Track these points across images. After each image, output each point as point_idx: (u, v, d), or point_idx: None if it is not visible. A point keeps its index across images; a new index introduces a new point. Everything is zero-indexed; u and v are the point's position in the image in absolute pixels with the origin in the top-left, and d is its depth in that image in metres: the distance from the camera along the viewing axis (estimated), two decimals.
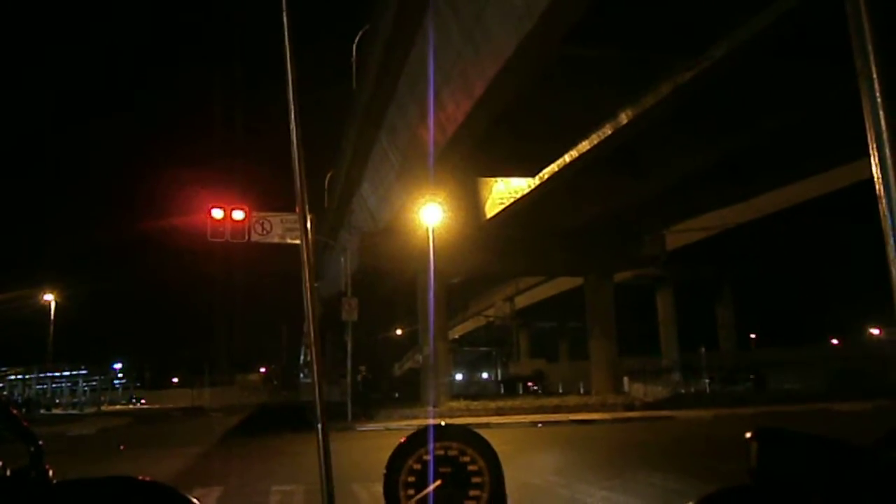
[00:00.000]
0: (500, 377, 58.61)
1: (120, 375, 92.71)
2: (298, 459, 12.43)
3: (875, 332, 44.06)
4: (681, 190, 24.45)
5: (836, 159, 24.63)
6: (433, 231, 22.00)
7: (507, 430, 20.29)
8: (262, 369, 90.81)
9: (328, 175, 39.28)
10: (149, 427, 30.97)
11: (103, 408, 60.76)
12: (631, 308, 40.35)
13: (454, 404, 26.85)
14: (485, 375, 67.03)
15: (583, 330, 32.68)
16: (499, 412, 25.34)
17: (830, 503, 0.55)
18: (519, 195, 24.07)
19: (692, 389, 40.26)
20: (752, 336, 54.94)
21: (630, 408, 26.32)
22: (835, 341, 50.40)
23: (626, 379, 35.83)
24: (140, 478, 0.71)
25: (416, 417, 23.57)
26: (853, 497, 0.54)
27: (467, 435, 0.80)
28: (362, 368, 32.47)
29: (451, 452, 0.78)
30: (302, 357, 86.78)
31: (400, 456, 0.79)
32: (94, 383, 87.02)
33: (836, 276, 42.61)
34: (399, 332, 56.84)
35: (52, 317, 43.25)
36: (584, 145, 20.00)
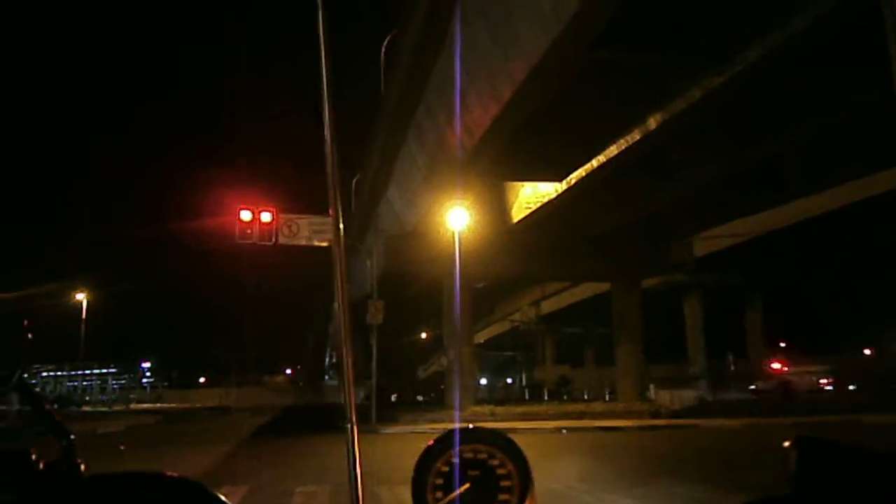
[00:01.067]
0: (524, 382, 58.45)
1: (148, 374, 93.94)
2: (323, 460, 12.46)
3: None
4: (710, 195, 24.24)
5: (872, 166, 24.25)
6: (459, 235, 21.99)
7: (531, 436, 20.18)
8: (288, 371, 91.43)
9: (355, 178, 39.49)
10: (176, 425, 31.32)
11: (132, 406, 61.61)
12: (658, 315, 39.99)
13: (478, 409, 26.79)
14: (509, 380, 66.88)
15: (609, 336, 32.46)
16: (523, 417, 25.23)
17: None
18: (546, 200, 24.00)
19: (719, 397, 39.79)
20: (782, 345, 54.16)
21: (656, 415, 26.05)
22: (867, 351, 49.46)
23: (652, 386, 35.53)
24: (169, 473, 0.71)
25: (440, 421, 23.55)
26: None
27: (496, 438, 0.78)
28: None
29: (480, 455, 0.77)
30: (328, 359, 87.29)
31: (428, 458, 0.79)
32: (122, 381, 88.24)
33: (869, 284, 41.85)
34: (424, 335, 56.92)
35: (83, 315, 44.02)
36: (613, 150, 19.88)
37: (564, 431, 21.68)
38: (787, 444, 0.59)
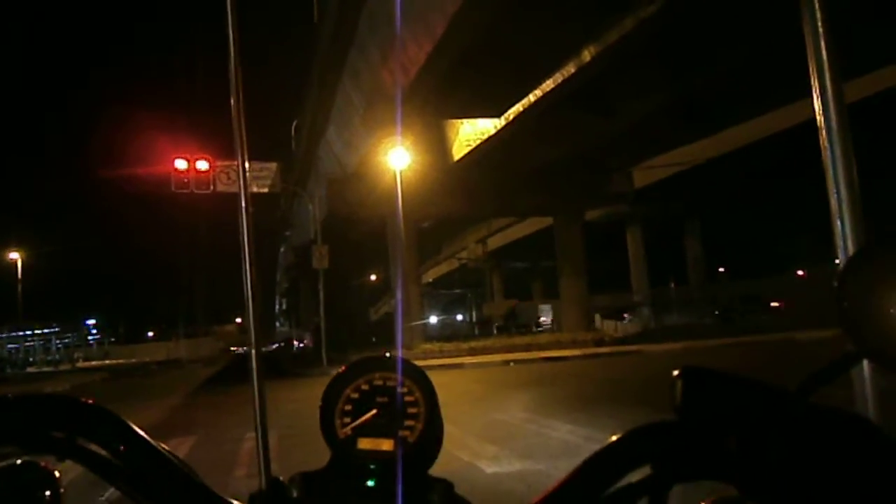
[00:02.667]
0: (474, 319, 59.33)
1: (94, 332, 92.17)
2: (272, 406, 12.49)
3: (838, 262, 44.92)
4: (647, 127, 24.49)
5: (799, 93, 24.80)
6: (401, 175, 21.85)
7: (479, 370, 20.64)
8: (238, 320, 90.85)
9: (294, 122, 38.66)
10: (124, 381, 31.00)
11: (78, 364, 60.51)
12: (601, 246, 40.83)
13: (428, 346, 27.18)
14: (459, 317, 67.76)
15: (555, 269, 33.04)
16: (471, 352, 25.73)
17: (745, 444, 0.58)
18: (485, 136, 23.93)
19: (663, 323, 41.18)
20: (721, 270, 55.98)
21: (600, 343, 26.86)
22: (800, 272, 51.49)
23: (597, 316, 36.52)
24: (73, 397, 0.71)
25: None
26: (767, 440, 0.57)
27: (405, 366, 0.80)
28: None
29: (389, 383, 0.78)
30: (277, 306, 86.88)
31: (337, 385, 0.79)
32: (67, 341, 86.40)
33: (802, 209, 43.31)
34: (374, 277, 56.98)
35: (19, 275, 42.65)
36: (549, 84, 19.84)
37: (511, 364, 22.22)
38: (674, 373, 0.62)
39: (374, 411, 0.76)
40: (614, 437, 0.63)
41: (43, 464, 0.68)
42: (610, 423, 8.59)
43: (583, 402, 11.10)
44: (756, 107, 26.50)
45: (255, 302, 1.44)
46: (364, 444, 0.74)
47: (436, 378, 0.79)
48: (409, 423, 0.76)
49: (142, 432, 0.68)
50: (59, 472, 0.69)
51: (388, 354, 0.82)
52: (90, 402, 0.69)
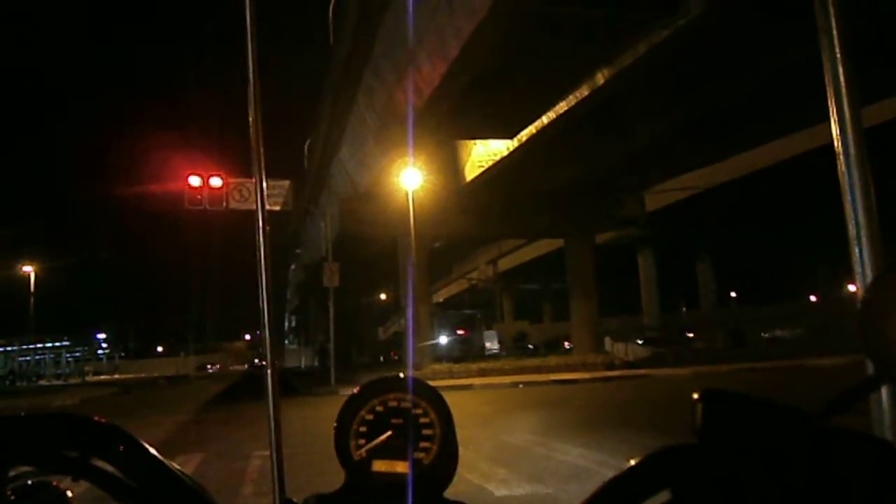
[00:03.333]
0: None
1: (104, 346, 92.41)
2: (282, 426, 12.40)
3: (853, 288, 44.57)
4: (660, 150, 24.53)
5: (816, 116, 24.76)
6: (413, 195, 21.94)
7: (488, 391, 20.53)
8: (247, 337, 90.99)
9: (307, 141, 38.92)
10: (133, 396, 31.00)
11: (88, 378, 60.62)
12: (612, 269, 40.69)
13: (437, 367, 27.08)
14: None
15: (566, 291, 32.94)
16: (481, 373, 25.62)
17: (768, 468, 0.57)
18: (498, 158, 24.04)
19: (673, 348, 40.85)
20: (733, 294, 55.62)
21: (610, 367, 26.68)
22: (813, 298, 51.09)
23: (607, 339, 36.28)
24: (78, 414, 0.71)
25: None
26: (790, 463, 0.57)
27: (420, 387, 0.79)
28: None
29: (404, 404, 0.78)
30: (287, 324, 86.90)
31: (352, 406, 0.79)
32: (77, 354, 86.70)
33: (815, 235, 43.08)
34: (383, 296, 56.98)
35: (32, 288, 42.90)
36: (562, 106, 19.92)
37: (521, 385, 22.10)
38: (694, 396, 0.62)
39: (389, 433, 0.75)
40: (633, 461, 0.62)
41: (55, 483, 0.68)
42: (621, 448, 8.51)
43: (593, 426, 11.00)
44: (769, 131, 26.50)
45: (270, 318, 1.43)
46: (379, 465, 0.73)
47: (446, 399, 0.78)
48: (424, 444, 0.75)
49: (154, 451, 0.67)
50: (72, 492, 0.69)
51: (401, 375, 0.81)
52: (103, 421, 0.69)
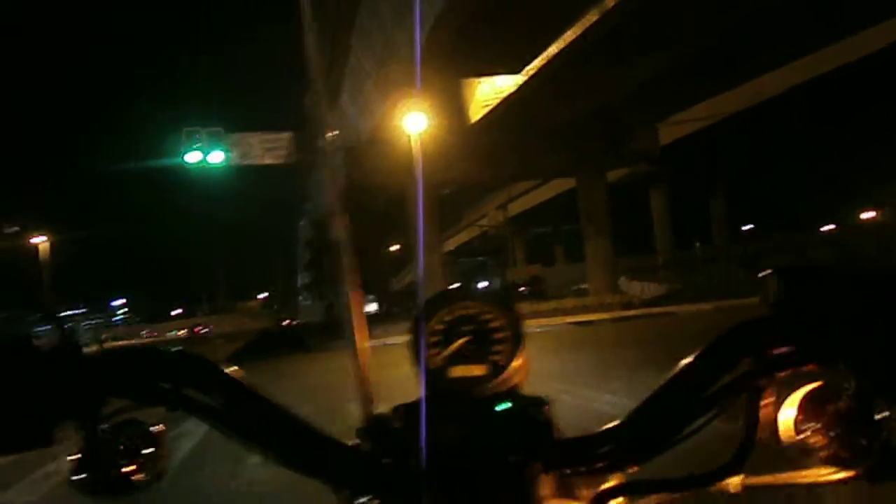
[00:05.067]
0: (497, 285, 58.65)
1: (122, 312, 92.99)
2: (299, 382, 11.99)
3: (870, 214, 43.69)
4: (672, 79, 23.46)
5: (830, 37, 23.57)
6: (417, 139, 21.03)
7: None
8: (262, 295, 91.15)
9: (305, 91, 37.85)
10: None
11: (106, 345, 61.05)
12: (625, 207, 39.84)
13: None
14: (482, 285, 67.20)
15: (578, 233, 32.21)
16: None
17: (854, 326, 0.59)
18: (505, 94, 23.00)
19: (688, 283, 40.20)
20: (747, 227, 54.64)
21: (628, 306, 26.15)
22: (831, 226, 50.16)
23: (623, 278, 35.64)
24: (175, 349, 0.71)
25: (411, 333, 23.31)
26: (877, 319, 0.59)
27: (487, 294, 0.81)
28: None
29: (473, 311, 0.79)
30: (300, 280, 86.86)
31: (422, 318, 0.79)
32: (94, 322, 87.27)
33: (828, 163, 42.02)
34: (397, 247, 56.52)
35: (44, 259, 42.51)
36: (570, 34, 18.85)
37: (539, 330, 21.57)
38: (765, 273, 0.64)
39: (462, 339, 0.77)
40: (714, 338, 0.64)
41: (145, 423, 0.70)
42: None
43: (619, 371, 10.40)
44: (787, 53, 25.26)
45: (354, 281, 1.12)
46: (456, 371, 0.75)
47: None
48: (497, 347, 0.76)
49: (245, 383, 0.68)
50: (162, 430, 0.70)
51: (460, 285, 0.84)
52: (193, 354, 0.70)
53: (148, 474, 0.69)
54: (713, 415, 0.62)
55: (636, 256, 46.07)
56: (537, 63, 20.57)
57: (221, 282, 79.79)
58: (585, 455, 0.67)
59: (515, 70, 21.40)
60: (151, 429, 0.70)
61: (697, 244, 51.03)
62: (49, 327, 0.72)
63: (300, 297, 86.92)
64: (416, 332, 0.78)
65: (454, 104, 24.79)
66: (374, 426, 0.71)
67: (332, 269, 27.52)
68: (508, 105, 23.36)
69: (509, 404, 0.70)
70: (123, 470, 0.68)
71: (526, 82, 21.55)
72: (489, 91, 23.72)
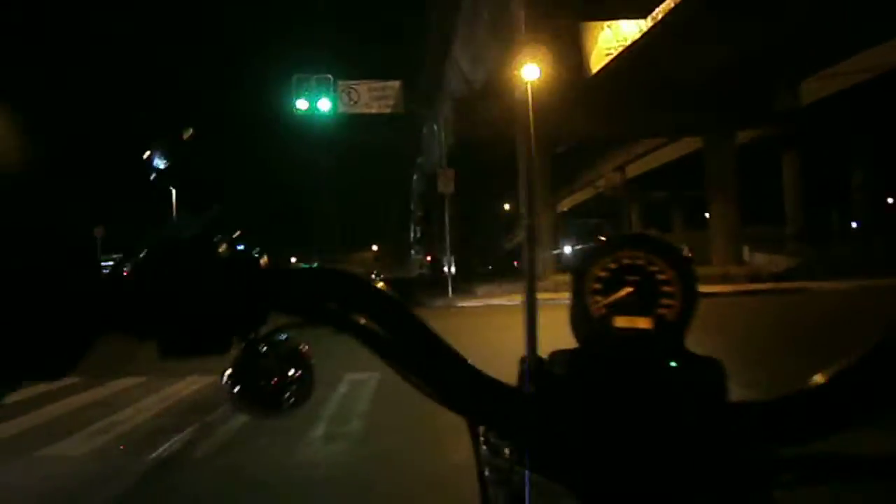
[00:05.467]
0: None
1: None
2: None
3: None
4: (820, 27, 20.65)
5: None
6: (531, 91, 19.63)
7: None
8: (374, 247, 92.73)
9: (423, 36, 36.92)
10: None
11: None
12: (754, 171, 36.87)
13: (559, 277, 25.30)
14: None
15: (698, 199, 29.98)
16: None
17: None
18: (629, 42, 21.10)
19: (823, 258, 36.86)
20: (890, 200, 49.79)
21: (755, 279, 23.98)
22: None
23: (746, 248, 33.03)
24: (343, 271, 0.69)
25: (517, 293, 22.27)
26: None
27: (657, 245, 0.73)
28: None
29: (639, 262, 0.72)
30: (412, 234, 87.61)
31: (585, 264, 0.74)
32: None
33: None
34: (507, 206, 55.57)
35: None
36: None
37: None
38: None
39: (628, 289, 0.73)
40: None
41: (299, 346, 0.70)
42: (798, 384, 6.49)
43: (756, 354, 8.93)
44: None
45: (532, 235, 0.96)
46: (620, 321, 0.71)
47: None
48: (665, 301, 0.71)
49: (412, 313, 0.68)
50: (310, 353, 0.70)
51: (631, 234, 0.77)
52: (363, 279, 0.69)
53: (295, 396, 0.68)
54: None
55: (762, 225, 42.95)
56: (667, 5, 18.56)
57: (336, 231, 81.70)
58: (767, 424, 0.61)
59: (643, 13, 19.41)
60: (302, 349, 0.69)
61: (834, 214, 47.03)
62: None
63: (412, 251, 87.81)
64: (576, 277, 0.73)
65: (573, 53, 23.13)
66: (537, 369, 0.68)
67: (441, 224, 26.99)
68: (632, 55, 21.43)
69: (680, 361, 0.66)
70: (275, 387, 0.67)
71: (653, 28, 19.56)
72: (612, 38, 21.85)
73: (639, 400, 0.64)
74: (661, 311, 0.69)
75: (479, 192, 36.70)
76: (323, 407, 6.76)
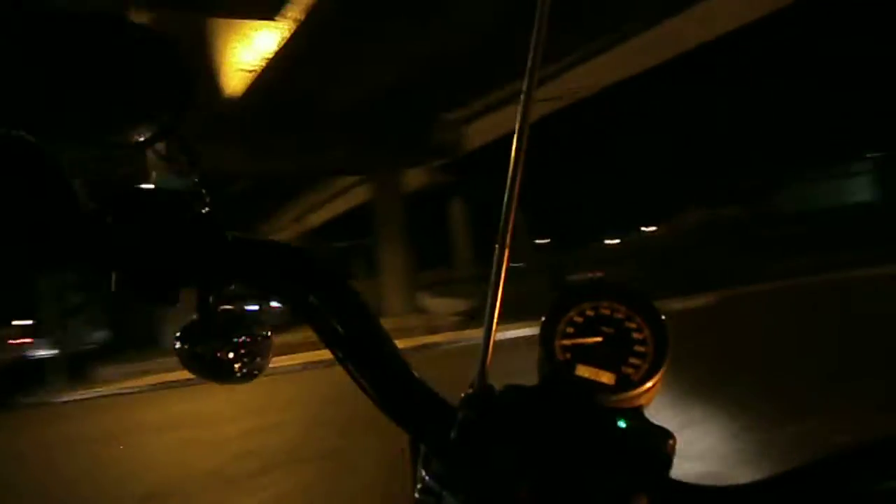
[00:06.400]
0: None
1: None
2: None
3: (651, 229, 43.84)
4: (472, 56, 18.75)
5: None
6: None
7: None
8: None
9: None
10: None
11: None
12: (425, 218, 36.25)
13: None
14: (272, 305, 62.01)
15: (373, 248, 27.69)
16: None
17: None
18: (268, 57, 17.16)
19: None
20: (544, 241, 53.97)
21: (436, 329, 21.81)
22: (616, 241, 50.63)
23: (424, 295, 31.61)
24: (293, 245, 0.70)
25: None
26: None
27: (638, 301, 0.71)
28: None
29: (618, 315, 0.71)
30: None
31: (563, 304, 0.72)
32: None
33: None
34: None
35: None
36: None
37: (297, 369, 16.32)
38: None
39: (598, 339, 0.71)
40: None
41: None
42: None
43: None
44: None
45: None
46: (582, 370, 0.69)
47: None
48: (633, 360, 0.69)
49: (371, 312, 0.67)
50: (270, 338, 0.72)
51: (616, 282, 0.74)
52: (332, 266, 0.68)
53: (247, 367, 0.68)
54: None
55: (437, 270, 42.91)
56: (298, 9, 14.91)
57: None
58: None
59: (269, 15, 15.48)
60: (262, 332, 0.69)
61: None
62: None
63: None
64: (550, 315, 0.71)
65: (212, 66, 18.49)
66: (482, 398, 0.65)
67: None
68: (274, 73, 17.57)
69: (631, 424, 0.64)
70: (226, 355, 0.67)
71: (291, 40, 15.86)
72: (251, 52, 17.77)
73: (578, 451, 0.61)
74: (627, 369, 0.67)
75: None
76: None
